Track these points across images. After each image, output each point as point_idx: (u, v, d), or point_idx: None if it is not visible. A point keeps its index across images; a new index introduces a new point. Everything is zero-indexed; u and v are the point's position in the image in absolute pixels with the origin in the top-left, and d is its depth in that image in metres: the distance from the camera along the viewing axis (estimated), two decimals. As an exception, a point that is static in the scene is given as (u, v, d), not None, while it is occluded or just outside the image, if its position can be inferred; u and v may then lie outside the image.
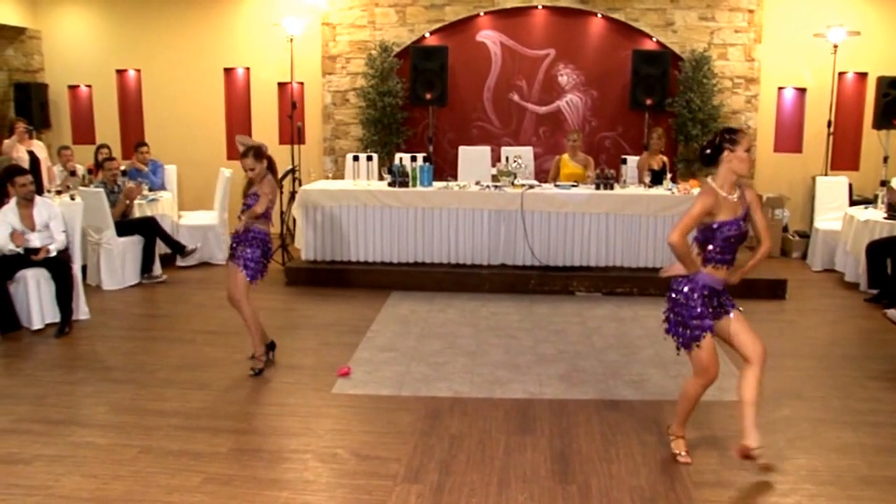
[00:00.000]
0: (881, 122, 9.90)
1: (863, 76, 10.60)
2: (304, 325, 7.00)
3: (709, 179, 4.08)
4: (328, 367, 5.75)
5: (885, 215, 8.13)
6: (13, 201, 6.75)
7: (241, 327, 6.10)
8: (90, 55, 11.42)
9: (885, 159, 10.03)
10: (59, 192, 8.80)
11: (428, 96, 10.11)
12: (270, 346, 5.92)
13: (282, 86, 11.15)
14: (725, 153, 4.00)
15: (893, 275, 7.48)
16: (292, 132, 10.16)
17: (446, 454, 4.36)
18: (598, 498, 3.89)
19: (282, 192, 9.11)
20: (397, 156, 9.63)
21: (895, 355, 6.24)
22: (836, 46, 9.84)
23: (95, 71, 11.45)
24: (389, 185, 8.43)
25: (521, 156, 9.12)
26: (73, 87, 11.65)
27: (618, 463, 4.28)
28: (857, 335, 6.89)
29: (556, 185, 8.52)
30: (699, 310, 4.04)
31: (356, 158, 9.13)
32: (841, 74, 10.46)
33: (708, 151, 4.07)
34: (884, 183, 9.22)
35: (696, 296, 4.04)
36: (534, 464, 4.26)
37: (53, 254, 6.70)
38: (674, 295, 4.12)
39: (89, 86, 11.60)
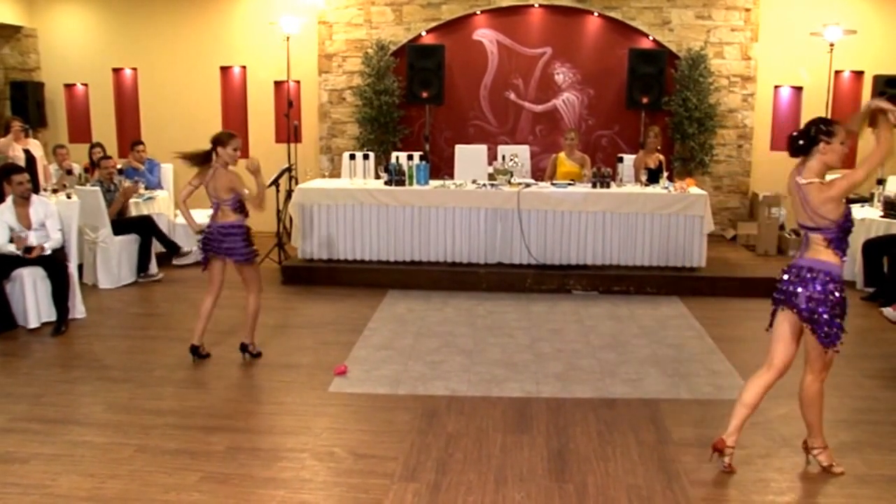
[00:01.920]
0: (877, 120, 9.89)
1: (859, 74, 10.61)
2: (300, 323, 7.00)
3: (803, 177, 3.94)
4: (325, 366, 5.75)
5: (882, 213, 8.14)
6: (9, 200, 6.74)
7: (236, 326, 6.10)
8: (86, 54, 11.41)
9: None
10: (55, 191, 8.78)
11: (424, 95, 10.10)
12: (193, 350, 5.91)
13: (278, 84, 11.14)
14: (821, 145, 3.88)
15: (890, 273, 7.50)
16: (289, 131, 10.16)
17: (443, 453, 4.36)
18: (594, 496, 3.89)
19: (278, 191, 9.12)
20: (394, 154, 9.62)
21: (892, 354, 6.25)
22: (832, 45, 9.85)
23: (92, 69, 11.43)
24: (386, 183, 8.42)
25: (518, 154, 9.10)
26: (69, 86, 11.63)
27: (614, 461, 4.28)
28: (853, 333, 6.88)
29: (553, 184, 8.52)
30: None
31: (353, 157, 9.12)
32: (837, 73, 10.48)
33: (801, 142, 3.93)
34: (880, 181, 9.23)
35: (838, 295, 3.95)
36: (531, 462, 4.26)
37: (48, 252, 6.68)
38: (835, 294, 3.94)
39: (85, 84, 11.58)
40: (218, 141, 5.66)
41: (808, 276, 3.95)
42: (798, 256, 4.08)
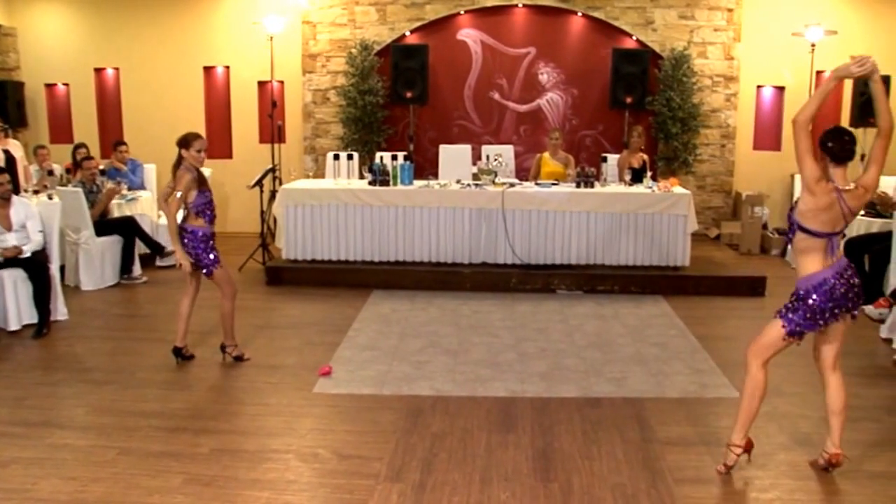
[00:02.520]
0: (858, 120, 9.98)
1: (840, 75, 10.67)
2: (284, 324, 6.97)
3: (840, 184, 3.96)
4: (309, 367, 5.73)
5: (862, 213, 8.19)
6: (-11, 201, 6.68)
7: (218, 327, 6.06)
8: (67, 53, 11.33)
9: (862, 157, 10.01)
10: (36, 192, 8.71)
11: (408, 95, 10.10)
12: (176, 352, 5.86)
13: (262, 84, 11.10)
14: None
15: (871, 271, 7.54)
16: (272, 131, 10.12)
17: (428, 453, 4.36)
18: (579, 495, 3.90)
19: (262, 192, 9.10)
20: (378, 154, 9.62)
21: (873, 351, 6.30)
22: (813, 45, 9.92)
23: (73, 69, 11.35)
24: (370, 183, 8.41)
25: (502, 154, 9.11)
26: (50, 86, 11.55)
27: (599, 460, 4.29)
28: (835, 331, 6.94)
29: (537, 184, 8.53)
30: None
31: (337, 157, 9.10)
32: (819, 73, 10.54)
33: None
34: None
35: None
36: (515, 462, 4.26)
37: (27, 254, 6.61)
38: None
39: (67, 84, 11.50)
40: (181, 142, 5.55)
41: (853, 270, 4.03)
42: (832, 262, 3.96)
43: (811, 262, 3.96)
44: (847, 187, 3.87)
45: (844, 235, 4.12)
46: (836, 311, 3.97)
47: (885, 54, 10.36)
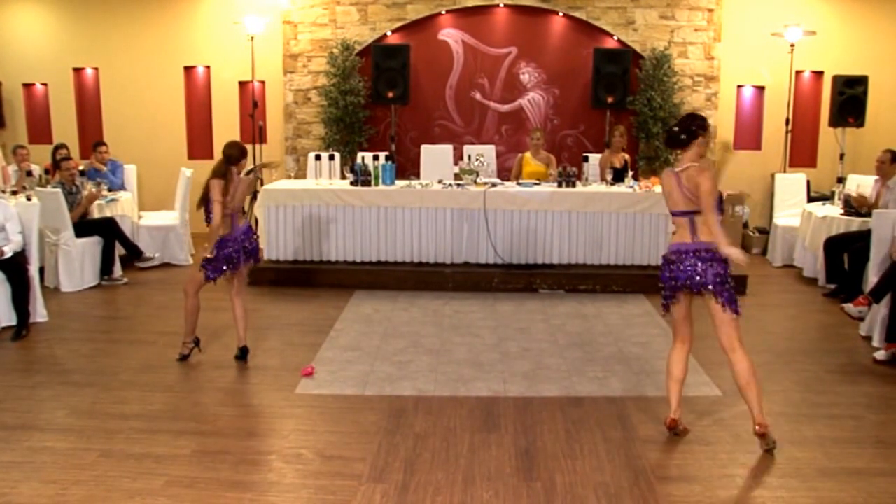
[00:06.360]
0: (837, 119, 10.07)
1: (819, 75, 10.77)
2: (267, 325, 6.94)
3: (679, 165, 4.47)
4: (292, 368, 5.72)
5: (842, 211, 8.27)
6: (-33, 202, 6.61)
7: (201, 329, 6.03)
8: (46, 53, 11.21)
9: (842, 156, 10.21)
10: (14, 193, 8.63)
11: (390, 95, 10.08)
12: (196, 342, 5.97)
13: (243, 84, 11.04)
14: (700, 139, 4.46)
15: (850, 270, 7.61)
16: (253, 131, 10.09)
17: (411, 453, 4.36)
18: (562, 494, 3.91)
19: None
20: (359, 155, 9.61)
21: (852, 349, 6.35)
22: (792, 45, 10.00)
23: (51, 69, 11.24)
24: (352, 184, 8.40)
25: (484, 154, 9.13)
26: (28, 86, 11.43)
27: (582, 459, 4.30)
28: (815, 330, 7.00)
29: (519, 184, 8.55)
30: None
31: (318, 157, 9.07)
32: (798, 73, 10.63)
33: (683, 136, 4.43)
34: (840, 179, 9.39)
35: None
36: (498, 461, 4.27)
37: (9, 255, 6.55)
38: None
39: (45, 84, 11.38)
40: (244, 153, 5.75)
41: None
42: (683, 241, 4.64)
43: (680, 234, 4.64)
44: (680, 168, 4.49)
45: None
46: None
47: (863, 54, 10.48)
